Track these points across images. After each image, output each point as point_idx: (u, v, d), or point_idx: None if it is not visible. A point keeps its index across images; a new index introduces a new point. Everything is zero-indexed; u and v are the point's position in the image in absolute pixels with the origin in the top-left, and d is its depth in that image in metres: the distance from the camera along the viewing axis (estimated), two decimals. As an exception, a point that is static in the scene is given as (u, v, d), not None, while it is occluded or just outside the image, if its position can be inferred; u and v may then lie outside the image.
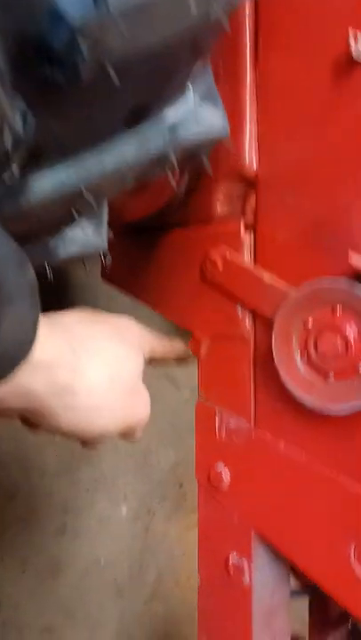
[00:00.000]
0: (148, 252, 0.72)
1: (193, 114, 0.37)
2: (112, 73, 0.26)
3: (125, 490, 1.42)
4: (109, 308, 1.35)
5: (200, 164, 0.43)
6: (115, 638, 1.40)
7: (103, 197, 0.39)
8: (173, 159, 0.37)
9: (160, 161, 0.37)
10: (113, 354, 0.52)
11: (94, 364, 0.49)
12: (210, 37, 0.33)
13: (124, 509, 1.41)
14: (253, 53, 0.60)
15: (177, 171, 0.62)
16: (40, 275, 0.37)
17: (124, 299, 1.36)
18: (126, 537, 1.41)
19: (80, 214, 0.38)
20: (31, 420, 0.48)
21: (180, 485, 1.56)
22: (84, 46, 0.26)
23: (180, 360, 0.70)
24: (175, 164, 0.38)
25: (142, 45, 0.27)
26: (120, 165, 0.35)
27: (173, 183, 0.63)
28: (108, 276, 0.80)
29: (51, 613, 1.28)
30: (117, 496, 1.40)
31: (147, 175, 0.39)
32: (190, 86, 0.37)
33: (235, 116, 0.60)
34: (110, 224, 0.81)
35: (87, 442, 0.54)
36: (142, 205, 0.67)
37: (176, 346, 0.68)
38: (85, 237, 0.44)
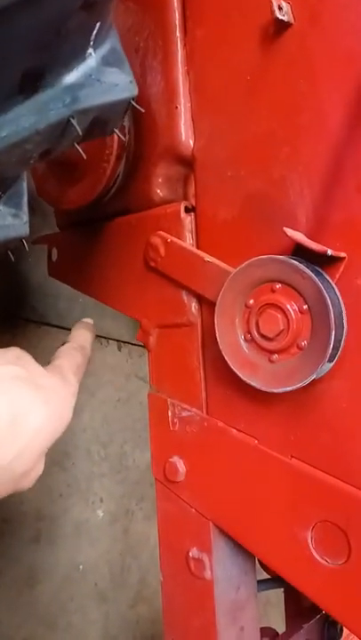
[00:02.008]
0: (93, 243, 0.69)
1: (95, 77, 0.34)
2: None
3: (101, 493, 1.39)
4: (70, 309, 1.33)
5: (111, 132, 0.41)
6: (100, 645, 1.37)
7: (5, 173, 0.36)
8: (77, 126, 0.34)
9: (63, 130, 0.34)
10: (29, 422, 0.45)
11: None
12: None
13: (100, 513, 1.38)
14: (182, 28, 0.58)
15: (112, 155, 0.60)
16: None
17: (84, 300, 1.34)
18: (105, 540, 1.38)
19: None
20: None
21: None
22: None
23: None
24: (79, 131, 0.35)
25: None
26: (18, 137, 0.32)
27: (109, 168, 0.60)
28: (56, 272, 0.77)
29: (31, 624, 1.24)
30: (93, 500, 1.37)
31: (51, 147, 0.36)
32: (92, 51, 0.34)
33: (167, 92, 0.59)
34: (56, 219, 0.79)
35: None
36: (79, 193, 0.64)
37: (86, 344, 0.62)
38: (4, 223, 0.42)
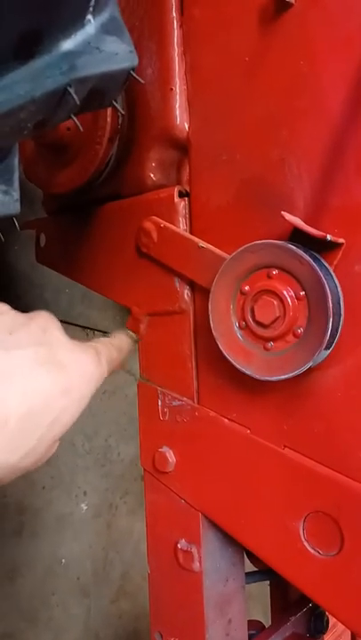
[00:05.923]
0: (83, 229, 0.68)
1: (94, 45, 0.33)
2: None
3: (85, 487, 1.37)
4: (56, 300, 1.31)
5: (109, 104, 0.39)
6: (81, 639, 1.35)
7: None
8: (74, 96, 0.33)
9: (60, 99, 0.33)
10: (43, 416, 0.42)
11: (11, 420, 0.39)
12: None
13: (84, 506, 1.36)
14: (179, 8, 0.56)
15: (104, 137, 0.59)
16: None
17: (71, 291, 1.32)
18: (88, 534, 1.37)
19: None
20: None
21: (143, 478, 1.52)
22: None
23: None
24: (77, 101, 0.33)
25: None
26: (12, 104, 0.31)
27: (101, 150, 0.59)
28: (43, 257, 0.75)
29: (11, 618, 1.23)
30: (77, 493, 1.35)
31: (47, 117, 0.34)
32: (91, 18, 0.33)
33: (162, 74, 0.57)
34: (44, 204, 0.77)
35: None
36: (70, 176, 0.62)
37: (124, 347, 0.60)
38: (-6, 201, 0.40)
